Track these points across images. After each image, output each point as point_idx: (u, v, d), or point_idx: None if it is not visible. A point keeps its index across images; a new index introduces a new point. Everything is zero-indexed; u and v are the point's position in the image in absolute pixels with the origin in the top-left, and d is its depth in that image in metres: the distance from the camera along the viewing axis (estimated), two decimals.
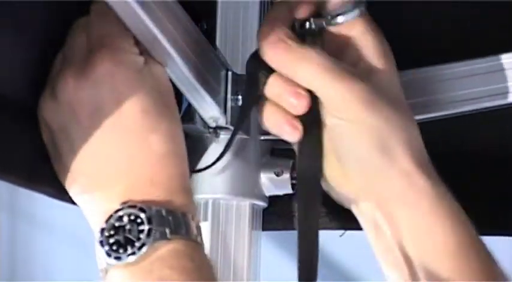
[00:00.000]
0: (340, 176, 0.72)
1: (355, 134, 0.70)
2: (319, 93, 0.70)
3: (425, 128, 0.74)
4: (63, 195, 0.69)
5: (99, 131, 0.65)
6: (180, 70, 0.71)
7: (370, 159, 0.70)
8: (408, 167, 0.70)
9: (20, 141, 0.67)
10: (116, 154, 0.65)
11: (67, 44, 0.69)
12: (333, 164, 0.71)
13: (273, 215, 0.86)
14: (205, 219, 0.81)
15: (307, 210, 0.72)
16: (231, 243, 0.81)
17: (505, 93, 0.77)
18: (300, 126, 0.71)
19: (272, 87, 0.72)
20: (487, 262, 0.70)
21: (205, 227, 0.80)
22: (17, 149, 0.67)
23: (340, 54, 0.73)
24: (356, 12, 0.72)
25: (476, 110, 0.78)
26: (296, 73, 0.70)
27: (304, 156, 0.72)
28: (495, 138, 0.86)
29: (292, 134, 0.72)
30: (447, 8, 0.81)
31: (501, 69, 0.77)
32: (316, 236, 0.73)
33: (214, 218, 0.81)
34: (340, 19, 0.72)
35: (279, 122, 0.72)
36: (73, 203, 0.69)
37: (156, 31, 0.67)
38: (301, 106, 0.71)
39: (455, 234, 0.69)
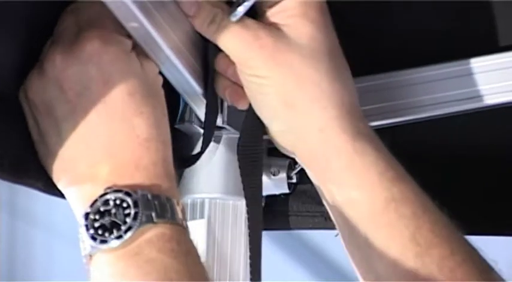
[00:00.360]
0: (274, 133, 0.74)
1: (263, 90, 0.71)
2: (231, 55, 0.72)
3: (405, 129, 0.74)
4: (52, 189, 0.69)
5: (85, 112, 0.65)
6: (176, 70, 0.71)
7: (279, 115, 0.72)
8: (322, 123, 0.71)
9: (6, 135, 0.67)
10: (101, 136, 0.66)
11: (56, 27, 0.69)
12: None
13: (270, 214, 0.86)
14: (202, 218, 0.81)
15: (252, 163, 0.74)
16: (228, 243, 0.81)
17: (476, 97, 0.78)
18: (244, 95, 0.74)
19: (218, 64, 0.74)
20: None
21: (202, 226, 0.81)
22: (4, 143, 0.67)
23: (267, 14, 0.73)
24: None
25: (447, 114, 0.79)
26: (215, 40, 0.72)
27: (247, 117, 0.75)
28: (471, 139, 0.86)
29: (239, 102, 0.74)
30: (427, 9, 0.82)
31: (471, 73, 0.78)
32: (260, 189, 0.76)
33: (211, 218, 0.81)
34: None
35: (229, 92, 0.74)
36: (62, 196, 0.69)
37: (152, 31, 0.67)
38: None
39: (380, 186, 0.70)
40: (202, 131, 0.79)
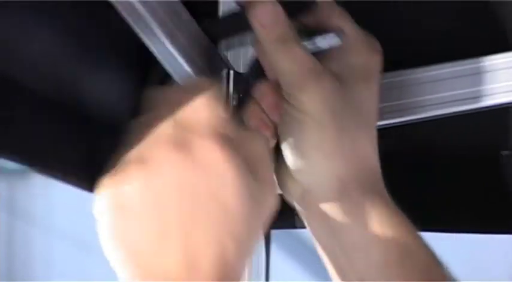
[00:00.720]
0: (290, 174, 0.72)
1: (302, 128, 0.70)
2: (285, 80, 0.70)
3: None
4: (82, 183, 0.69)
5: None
6: (182, 69, 0.71)
7: (305, 156, 0.70)
8: (342, 175, 0.70)
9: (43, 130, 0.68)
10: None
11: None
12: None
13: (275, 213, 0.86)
14: None
15: None
16: None
17: (475, 97, 0.78)
18: (271, 126, 0.72)
19: (258, 90, 0.72)
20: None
21: None
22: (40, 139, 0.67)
23: (327, 57, 0.73)
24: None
25: (447, 114, 0.79)
26: (276, 60, 0.70)
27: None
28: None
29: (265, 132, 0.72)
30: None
31: (471, 74, 0.78)
32: None
33: None
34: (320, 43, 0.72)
35: (258, 122, 0.72)
36: (90, 190, 0.68)
37: (157, 30, 0.67)
38: (274, 116, 0.72)
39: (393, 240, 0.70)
40: None
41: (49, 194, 2.18)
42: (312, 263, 1.84)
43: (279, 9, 0.70)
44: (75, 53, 0.69)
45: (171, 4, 0.69)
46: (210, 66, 0.75)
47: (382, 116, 0.79)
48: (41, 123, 0.67)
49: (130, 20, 0.66)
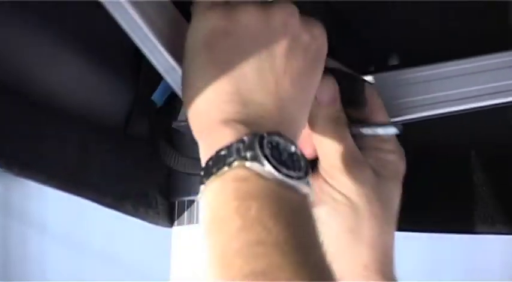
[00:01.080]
0: None
1: (337, 206, 0.72)
2: (327, 159, 0.73)
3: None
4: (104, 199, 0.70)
5: None
6: (172, 69, 0.71)
7: (335, 236, 0.72)
8: (367, 261, 0.72)
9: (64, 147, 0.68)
10: None
11: None
12: None
13: None
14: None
15: None
16: None
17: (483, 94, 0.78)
18: None
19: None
20: None
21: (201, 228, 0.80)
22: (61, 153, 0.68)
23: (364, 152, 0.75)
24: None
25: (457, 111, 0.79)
26: (326, 141, 0.73)
27: None
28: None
29: None
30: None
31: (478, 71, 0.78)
32: None
33: None
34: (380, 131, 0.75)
35: None
36: (111, 207, 0.69)
37: (148, 31, 0.67)
38: None
39: None
40: None
41: (44, 195, 2.18)
42: None
43: (338, 90, 0.73)
44: (65, 54, 0.69)
45: (161, 4, 0.69)
46: None
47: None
48: (27, 125, 0.67)
49: (120, 21, 0.66)
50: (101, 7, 0.64)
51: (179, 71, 0.70)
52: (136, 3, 0.65)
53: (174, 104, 0.80)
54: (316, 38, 0.67)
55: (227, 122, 0.62)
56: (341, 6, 0.76)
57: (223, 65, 0.63)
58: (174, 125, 0.79)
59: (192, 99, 0.64)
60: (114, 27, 0.66)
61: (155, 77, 0.73)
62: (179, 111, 0.78)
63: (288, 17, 0.65)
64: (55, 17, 0.67)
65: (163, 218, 0.90)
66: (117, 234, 2.13)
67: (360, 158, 0.73)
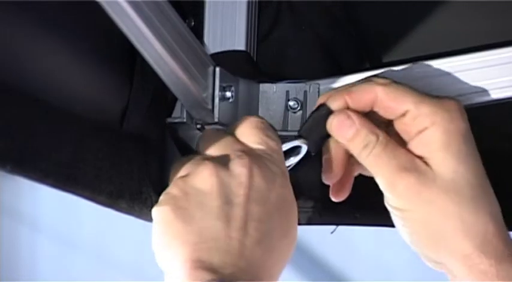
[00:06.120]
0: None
1: (406, 223, 0.74)
2: (380, 183, 0.74)
3: None
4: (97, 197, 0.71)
5: None
6: (167, 66, 0.71)
7: (423, 246, 0.74)
8: (466, 251, 0.72)
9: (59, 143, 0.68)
10: None
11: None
12: None
13: None
14: None
15: None
16: None
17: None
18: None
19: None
20: None
21: None
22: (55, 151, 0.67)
23: (406, 141, 0.75)
24: None
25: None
26: (367, 165, 0.75)
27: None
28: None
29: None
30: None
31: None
32: None
33: None
34: None
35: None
36: (105, 205, 0.70)
37: (143, 27, 0.67)
38: None
39: None
40: (192, 127, 0.79)
41: (36, 193, 2.17)
42: (300, 262, 1.84)
43: (354, 117, 0.74)
44: (62, 52, 0.69)
45: (158, 3, 0.69)
46: (196, 63, 0.75)
47: None
48: (20, 122, 0.66)
49: (117, 19, 0.66)
50: (95, 3, 0.64)
51: (173, 65, 0.70)
52: (132, 2, 0.65)
53: (168, 100, 0.80)
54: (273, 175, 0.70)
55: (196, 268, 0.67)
56: (342, 7, 0.76)
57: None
58: (169, 121, 0.79)
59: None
60: (109, 23, 0.66)
61: (150, 73, 0.73)
62: (174, 108, 0.78)
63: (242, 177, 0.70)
64: (49, 11, 0.67)
65: None
66: (110, 232, 2.13)
67: (399, 166, 0.73)
